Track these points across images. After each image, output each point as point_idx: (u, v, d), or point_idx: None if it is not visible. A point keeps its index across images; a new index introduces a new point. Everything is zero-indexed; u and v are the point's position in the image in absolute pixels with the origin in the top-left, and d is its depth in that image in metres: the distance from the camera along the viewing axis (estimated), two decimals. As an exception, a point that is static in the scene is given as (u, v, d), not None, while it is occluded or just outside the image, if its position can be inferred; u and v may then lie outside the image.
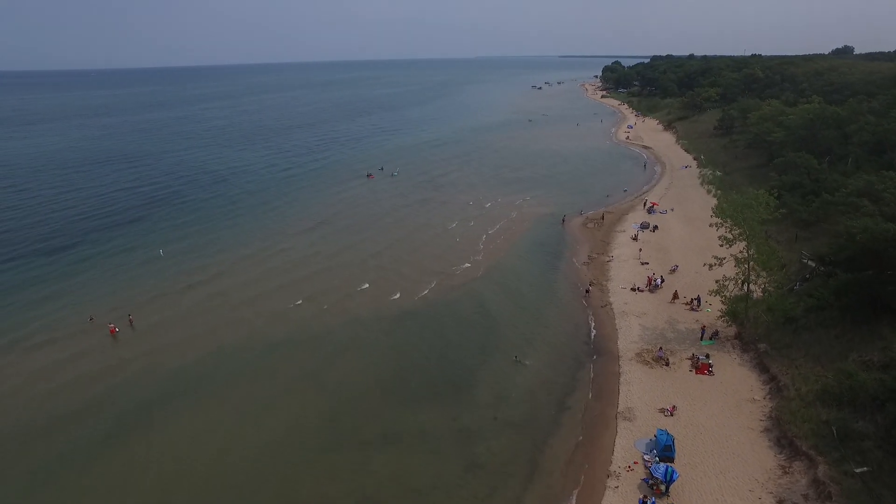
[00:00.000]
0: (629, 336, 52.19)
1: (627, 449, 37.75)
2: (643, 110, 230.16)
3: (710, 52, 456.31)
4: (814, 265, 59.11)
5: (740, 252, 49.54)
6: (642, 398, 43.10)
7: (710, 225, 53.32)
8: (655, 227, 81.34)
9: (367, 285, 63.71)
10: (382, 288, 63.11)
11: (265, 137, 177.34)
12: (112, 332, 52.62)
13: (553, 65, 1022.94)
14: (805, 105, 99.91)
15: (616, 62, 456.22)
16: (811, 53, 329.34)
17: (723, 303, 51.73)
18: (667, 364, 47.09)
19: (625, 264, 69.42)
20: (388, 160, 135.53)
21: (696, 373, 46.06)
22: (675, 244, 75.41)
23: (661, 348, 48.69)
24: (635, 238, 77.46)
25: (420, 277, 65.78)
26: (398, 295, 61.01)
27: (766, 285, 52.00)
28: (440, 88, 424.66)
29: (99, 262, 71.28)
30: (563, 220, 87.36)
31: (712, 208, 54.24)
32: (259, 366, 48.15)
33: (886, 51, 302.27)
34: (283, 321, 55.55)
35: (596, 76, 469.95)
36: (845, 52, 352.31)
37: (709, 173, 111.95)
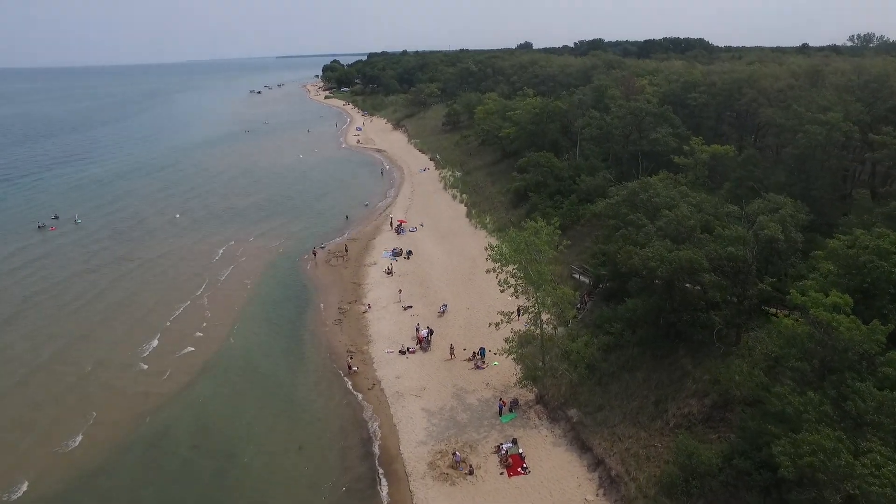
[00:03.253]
0: (413, 434, 38.42)
1: None
2: (369, 109, 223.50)
3: (421, 48, 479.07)
4: (587, 281, 53.31)
5: (528, 300, 39.38)
6: (453, 551, 29.57)
7: (488, 264, 41.46)
8: (409, 253, 69.86)
9: (79, 438, 38.89)
10: (96, 439, 39.21)
11: None
12: None
13: (272, 66, 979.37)
14: (527, 99, 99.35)
15: (335, 61, 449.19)
16: (503, 48, 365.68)
17: (516, 361, 41.22)
18: (471, 472, 34.48)
19: (385, 313, 55.91)
20: (70, 202, 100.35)
21: (510, 474, 34.39)
22: (435, 272, 64.65)
23: (455, 453, 35.87)
24: (390, 272, 64.69)
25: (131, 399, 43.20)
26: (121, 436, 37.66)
27: (556, 326, 43.28)
28: (143, 100, 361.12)
29: None
30: (314, 254, 71.71)
31: (486, 248, 42.40)
32: None
33: (556, 46, 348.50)
34: None
35: (317, 76, 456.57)
36: (527, 46, 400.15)
37: (449, 175, 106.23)
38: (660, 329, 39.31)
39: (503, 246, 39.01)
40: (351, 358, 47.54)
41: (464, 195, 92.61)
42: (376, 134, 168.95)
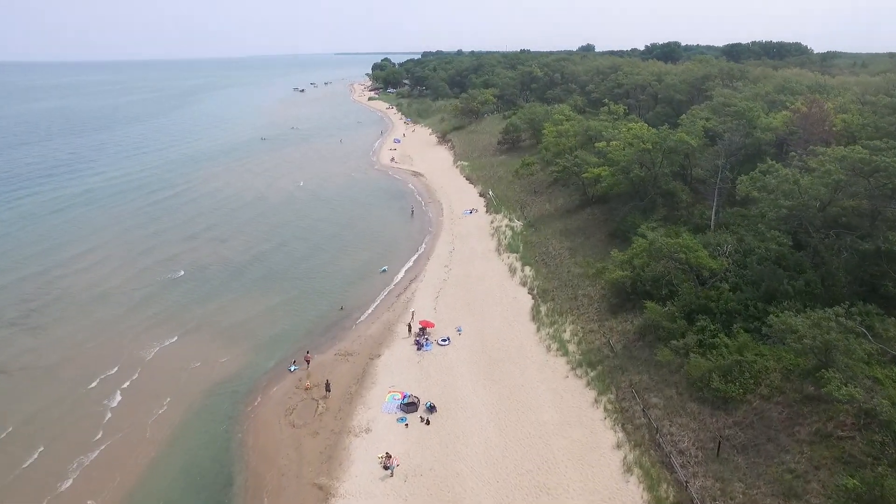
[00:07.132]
0: None
1: None
2: (413, 116, 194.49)
3: (478, 48, 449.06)
4: None
5: None
6: None
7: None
8: (432, 409, 39.11)
9: None
10: None
11: None
12: None
13: (328, 63, 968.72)
14: (630, 126, 66.76)
15: (385, 59, 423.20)
16: (564, 49, 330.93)
17: None
18: None
19: None
20: (14, 239, 75.69)
21: None
22: (474, 475, 33.51)
23: None
24: (388, 467, 33.87)
25: None
26: None
27: None
28: (184, 95, 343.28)
29: None
30: (307, 365, 42.91)
31: None
32: None
33: (623, 49, 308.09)
34: None
35: (367, 74, 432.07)
36: (589, 49, 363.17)
37: (506, 227, 75.03)
38: None
39: None
40: None
41: (527, 268, 61.37)
42: (416, 149, 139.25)
